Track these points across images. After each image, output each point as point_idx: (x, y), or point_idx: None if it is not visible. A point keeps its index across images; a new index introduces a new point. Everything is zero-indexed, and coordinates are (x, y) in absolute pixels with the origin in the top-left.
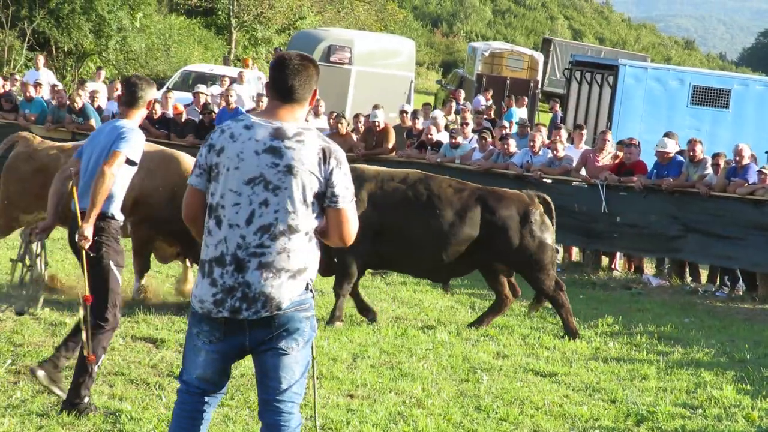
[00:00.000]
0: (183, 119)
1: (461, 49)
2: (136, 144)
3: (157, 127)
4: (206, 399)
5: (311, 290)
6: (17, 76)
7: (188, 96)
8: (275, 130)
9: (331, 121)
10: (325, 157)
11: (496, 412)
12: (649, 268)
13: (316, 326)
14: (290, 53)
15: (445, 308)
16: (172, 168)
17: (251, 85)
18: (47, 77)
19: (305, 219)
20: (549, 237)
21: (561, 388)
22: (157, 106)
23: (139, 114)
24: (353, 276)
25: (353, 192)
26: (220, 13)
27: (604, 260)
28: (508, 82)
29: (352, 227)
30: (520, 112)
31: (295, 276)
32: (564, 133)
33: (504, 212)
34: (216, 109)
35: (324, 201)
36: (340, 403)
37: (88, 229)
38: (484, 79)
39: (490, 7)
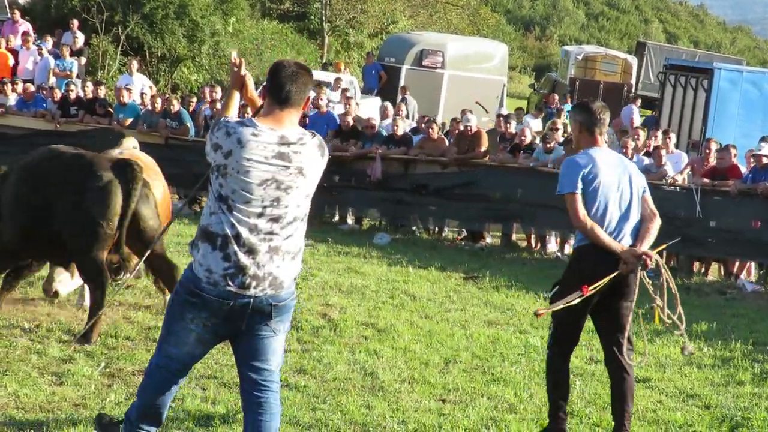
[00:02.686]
0: None
1: (554, 53)
2: None
3: None
4: (183, 377)
5: None
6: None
7: None
8: (281, 137)
9: (423, 125)
10: (323, 151)
11: (589, 418)
12: (746, 273)
13: None
14: (288, 60)
15: None
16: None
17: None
18: (141, 82)
19: (306, 208)
20: (106, 210)
21: (654, 394)
22: (249, 111)
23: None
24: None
25: None
26: (312, 17)
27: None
28: (601, 86)
29: None
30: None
31: (294, 257)
32: (673, 138)
33: (62, 176)
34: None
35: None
36: (432, 407)
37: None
38: (577, 83)
39: (584, 11)
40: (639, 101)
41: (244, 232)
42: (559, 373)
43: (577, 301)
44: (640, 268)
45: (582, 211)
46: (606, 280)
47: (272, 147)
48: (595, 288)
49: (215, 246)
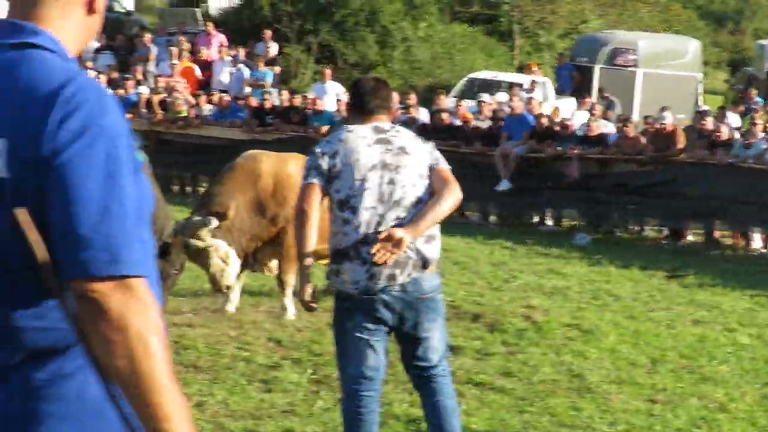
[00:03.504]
0: (471, 127)
1: (749, 47)
2: None
3: (443, 135)
4: (374, 401)
5: None
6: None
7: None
8: (374, 128)
9: (619, 124)
10: (422, 140)
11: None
12: None
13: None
14: (366, 77)
15: (745, 310)
16: None
17: (539, 91)
18: (335, 90)
19: (425, 190)
20: None
21: None
22: (444, 115)
23: None
24: None
25: None
26: (502, 19)
27: None
28: None
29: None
30: None
31: (429, 240)
32: None
33: None
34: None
35: (431, 170)
36: (641, 408)
37: None
38: None
39: None
40: None
41: (373, 227)
42: None
43: None
44: None
45: None
46: None
47: (370, 136)
48: None
49: (351, 258)
